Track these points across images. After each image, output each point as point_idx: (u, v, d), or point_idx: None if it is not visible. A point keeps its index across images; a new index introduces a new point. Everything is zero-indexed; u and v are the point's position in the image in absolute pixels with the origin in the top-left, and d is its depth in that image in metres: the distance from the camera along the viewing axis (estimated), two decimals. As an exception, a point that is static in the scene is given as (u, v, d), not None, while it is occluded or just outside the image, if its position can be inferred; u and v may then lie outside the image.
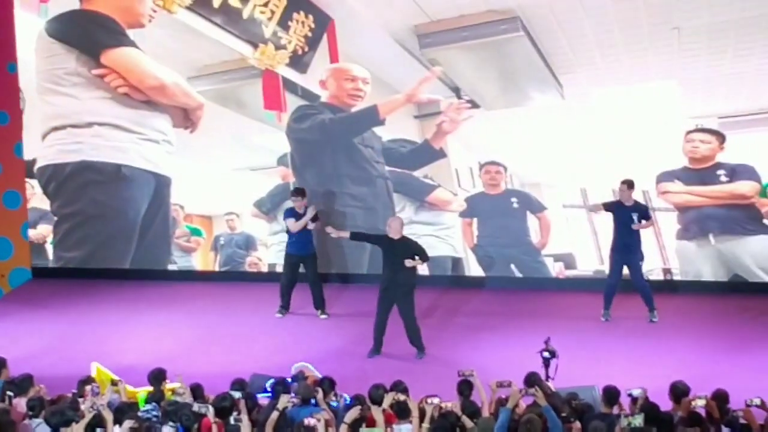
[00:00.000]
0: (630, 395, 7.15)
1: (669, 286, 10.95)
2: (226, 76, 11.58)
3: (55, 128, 11.60)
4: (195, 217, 12.25)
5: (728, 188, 10.35)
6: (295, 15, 11.07)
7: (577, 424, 6.74)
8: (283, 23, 11.11)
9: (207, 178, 12.00)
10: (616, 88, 10.63)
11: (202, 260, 12.16)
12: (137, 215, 11.52)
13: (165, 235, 11.75)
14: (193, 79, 11.52)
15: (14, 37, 12.51)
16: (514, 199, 11.31)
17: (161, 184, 11.57)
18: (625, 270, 10.21)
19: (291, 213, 10.67)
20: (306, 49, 11.19)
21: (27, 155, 11.98)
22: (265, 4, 11.01)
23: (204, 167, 12.06)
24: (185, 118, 11.55)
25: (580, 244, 11.09)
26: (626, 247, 9.99)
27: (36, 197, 12.22)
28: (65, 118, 11.56)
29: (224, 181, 11.97)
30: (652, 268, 10.84)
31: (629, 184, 9.87)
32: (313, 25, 11.08)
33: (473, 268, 11.34)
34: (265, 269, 11.92)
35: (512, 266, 11.21)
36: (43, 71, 11.48)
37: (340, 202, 11.24)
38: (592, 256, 10.96)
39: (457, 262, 11.37)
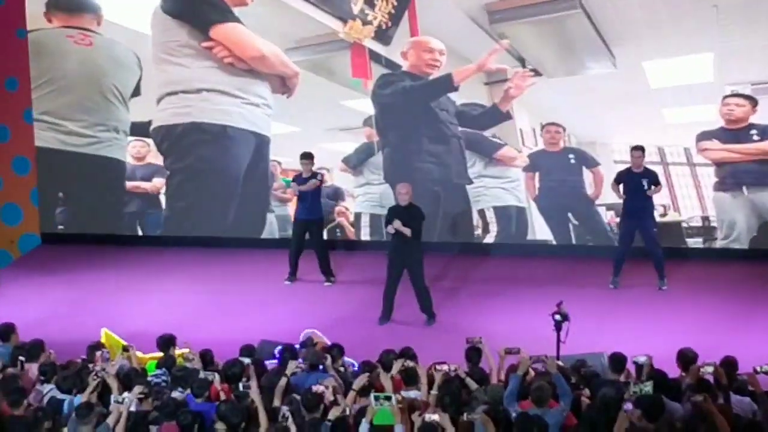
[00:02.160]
0: (635, 363, 7.24)
1: (679, 254, 11.93)
2: (319, 48, 13.03)
3: (168, 93, 13.31)
4: (290, 172, 13.31)
5: (760, 146, 11.71)
6: None
7: (586, 392, 6.88)
8: (370, 2, 12.69)
9: (301, 137, 13.51)
10: (661, 60, 11.98)
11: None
12: (240, 170, 13.26)
13: (264, 187, 13.41)
14: (290, 51, 13.03)
15: (24, 3, 13.40)
16: (571, 156, 12.61)
17: (261, 143, 13.27)
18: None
19: (297, 178, 11.68)
20: (389, 24, 12.74)
21: (143, 117, 13.58)
22: None
23: (299, 128, 13.61)
24: (283, 84, 13.11)
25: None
26: (637, 212, 10.78)
27: (151, 154, 13.76)
28: (177, 85, 13.26)
29: (316, 139, 13.47)
30: (692, 215, 12.23)
31: (640, 150, 10.80)
32: (395, 3, 12.64)
33: (535, 217, 12.85)
34: (351, 218, 13.46)
35: (569, 215, 12.71)
36: (159, 43, 13.24)
37: (419, 158, 12.81)
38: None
39: (521, 210, 12.85)
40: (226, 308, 10.99)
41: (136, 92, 13.70)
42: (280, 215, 13.70)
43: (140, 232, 14.14)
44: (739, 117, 11.79)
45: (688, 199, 12.20)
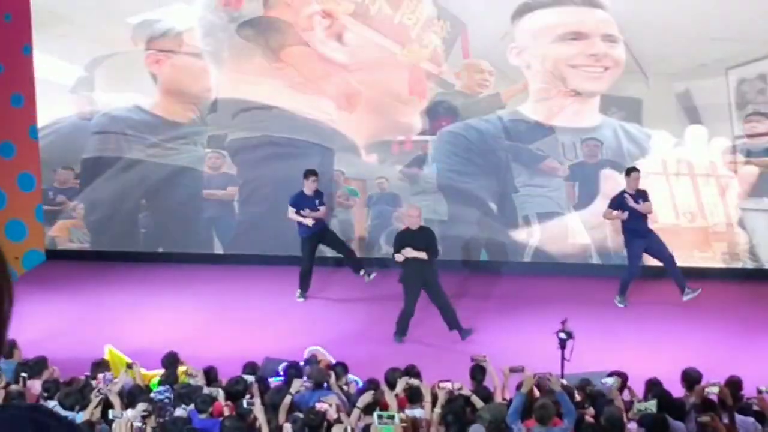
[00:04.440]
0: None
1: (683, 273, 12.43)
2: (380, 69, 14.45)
3: (243, 110, 14.81)
4: (352, 181, 14.82)
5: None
6: (435, 21, 14.25)
7: (591, 410, 7.09)
8: (426, 28, 14.16)
9: (362, 148, 14.93)
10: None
11: (357, 214, 15.02)
12: (307, 179, 14.87)
13: (329, 194, 14.71)
14: (353, 71, 14.49)
15: (30, 20, 13.80)
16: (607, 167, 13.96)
17: (326, 154, 14.68)
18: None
19: (299, 197, 12.37)
20: (444, 47, 14.23)
21: (219, 132, 15.12)
22: (412, 13, 14.36)
23: (361, 140, 14.97)
24: (347, 102, 14.61)
25: (658, 202, 12.99)
26: (642, 231, 11.72)
27: (226, 164, 15.15)
28: (251, 102, 14.79)
29: (376, 150, 14.95)
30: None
31: (638, 171, 11.82)
32: (449, 29, 14.11)
33: (575, 221, 14.27)
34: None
35: (606, 220, 14.21)
36: (235, 65, 14.89)
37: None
38: (669, 212, 13.49)
39: (561, 216, 14.19)
40: (230, 325, 11.33)
41: (213, 108, 15.15)
42: (343, 219, 15.05)
43: (215, 236, 15.53)
44: (760, 132, 13.23)
45: (718, 207, 13.51)
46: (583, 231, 14.20)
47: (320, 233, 12.73)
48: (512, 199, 14.37)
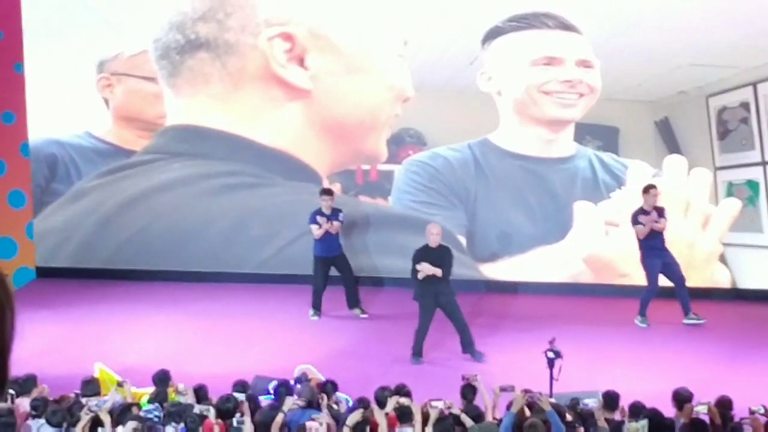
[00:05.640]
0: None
1: (669, 294, 12.11)
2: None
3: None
4: None
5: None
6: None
7: (581, 430, 7.03)
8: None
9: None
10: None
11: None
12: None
13: None
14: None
15: (21, 37, 13.78)
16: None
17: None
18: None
19: (317, 214, 12.16)
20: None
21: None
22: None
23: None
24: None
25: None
26: (659, 249, 11.57)
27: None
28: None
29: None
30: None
31: (656, 188, 11.60)
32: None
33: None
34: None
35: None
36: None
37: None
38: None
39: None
40: (220, 343, 11.27)
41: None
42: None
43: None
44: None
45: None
46: (556, 265, 13.64)
47: (334, 258, 12.43)
48: (481, 232, 13.76)
